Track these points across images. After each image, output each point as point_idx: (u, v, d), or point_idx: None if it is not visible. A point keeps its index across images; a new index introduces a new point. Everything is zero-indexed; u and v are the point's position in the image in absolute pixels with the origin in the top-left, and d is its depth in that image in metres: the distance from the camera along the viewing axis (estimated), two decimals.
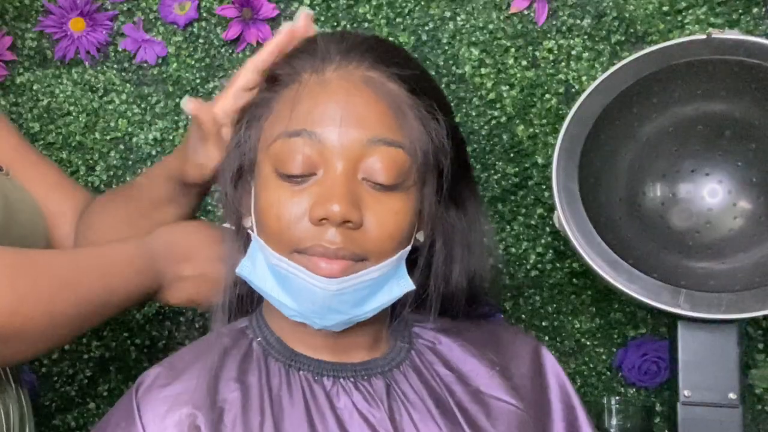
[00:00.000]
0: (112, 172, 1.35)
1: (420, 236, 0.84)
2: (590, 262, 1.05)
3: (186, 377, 0.80)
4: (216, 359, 0.82)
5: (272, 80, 0.84)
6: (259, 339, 0.85)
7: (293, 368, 0.82)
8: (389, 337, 0.87)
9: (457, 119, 1.32)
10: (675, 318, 1.09)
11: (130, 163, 1.35)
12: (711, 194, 1.14)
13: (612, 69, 1.07)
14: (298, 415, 0.79)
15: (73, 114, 1.35)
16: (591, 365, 1.34)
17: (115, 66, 1.35)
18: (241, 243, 0.87)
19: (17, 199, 1.00)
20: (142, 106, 1.34)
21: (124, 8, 1.34)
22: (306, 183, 0.78)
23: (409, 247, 0.81)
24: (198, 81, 1.34)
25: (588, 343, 1.34)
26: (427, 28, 1.33)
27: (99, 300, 0.88)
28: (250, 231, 0.83)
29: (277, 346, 0.84)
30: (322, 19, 1.33)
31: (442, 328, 0.89)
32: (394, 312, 0.88)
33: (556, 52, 1.32)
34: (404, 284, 0.82)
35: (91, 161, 1.35)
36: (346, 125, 0.77)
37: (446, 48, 1.33)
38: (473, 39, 1.32)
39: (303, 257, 0.77)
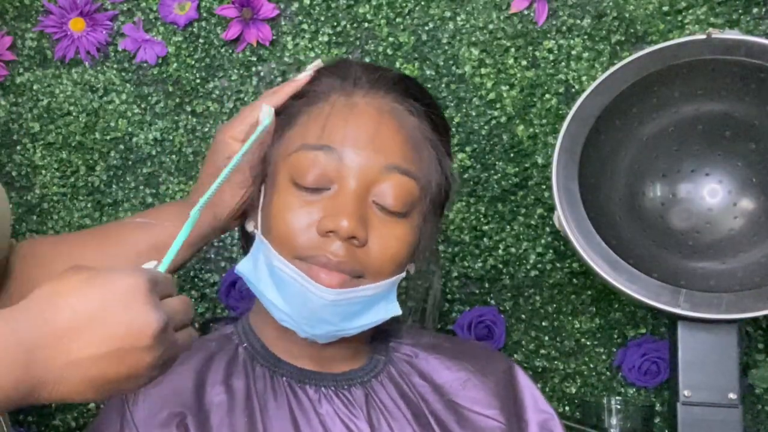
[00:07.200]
0: (112, 172, 1.35)
1: (411, 268, 0.87)
2: (590, 262, 1.05)
3: (174, 379, 0.82)
4: (202, 363, 0.84)
5: (298, 95, 0.86)
6: (245, 345, 0.87)
7: (277, 374, 0.84)
8: (368, 350, 0.90)
9: (457, 119, 1.32)
10: (675, 318, 1.08)
11: (130, 163, 1.34)
12: (711, 194, 1.14)
13: (612, 69, 1.08)
14: (284, 417, 0.81)
15: (73, 114, 1.35)
16: (591, 365, 1.33)
17: (115, 66, 1.34)
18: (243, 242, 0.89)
19: None
20: (142, 106, 1.34)
21: (124, 8, 1.34)
22: (319, 195, 0.81)
23: (403, 274, 0.85)
24: (198, 81, 1.34)
25: (588, 343, 1.34)
26: (427, 28, 1.33)
27: None
28: (255, 231, 0.85)
29: (262, 352, 0.86)
30: (322, 19, 1.33)
31: (419, 344, 0.92)
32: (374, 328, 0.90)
33: (556, 52, 1.31)
34: (392, 308, 0.85)
35: (91, 161, 1.35)
36: (366, 148, 0.81)
37: (446, 48, 1.33)
38: (473, 39, 1.32)
39: (304, 264, 0.80)
